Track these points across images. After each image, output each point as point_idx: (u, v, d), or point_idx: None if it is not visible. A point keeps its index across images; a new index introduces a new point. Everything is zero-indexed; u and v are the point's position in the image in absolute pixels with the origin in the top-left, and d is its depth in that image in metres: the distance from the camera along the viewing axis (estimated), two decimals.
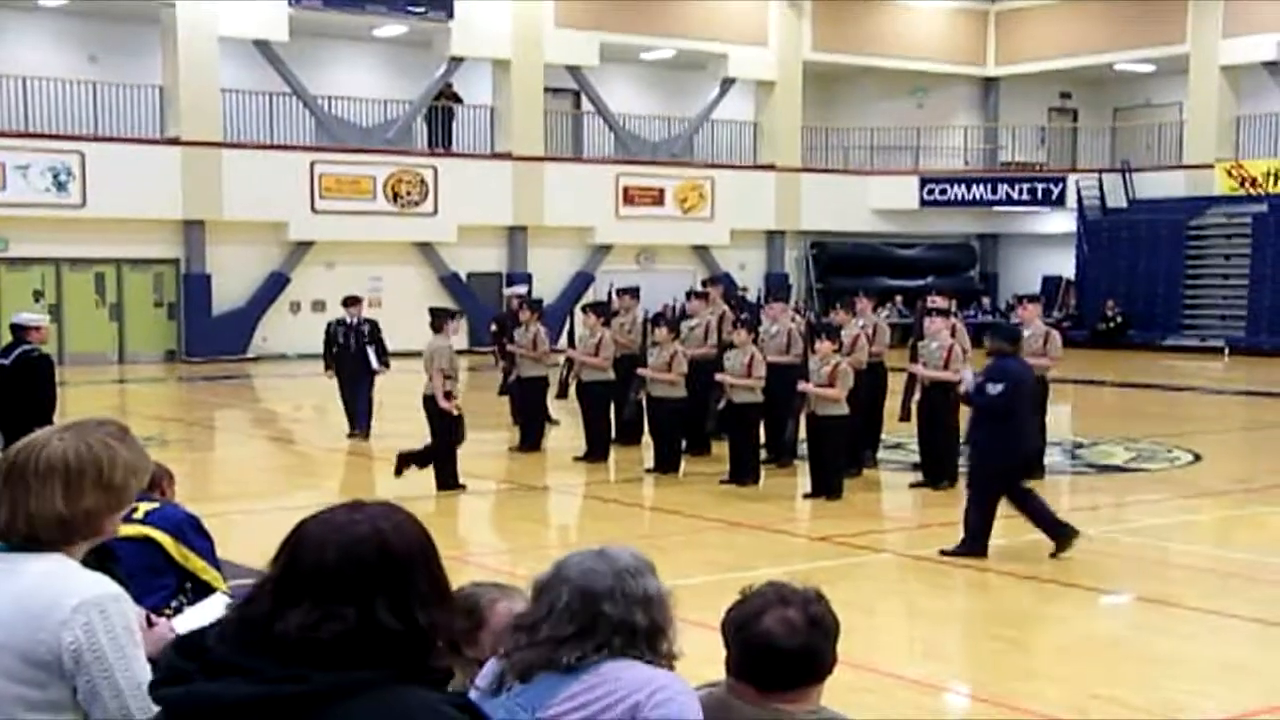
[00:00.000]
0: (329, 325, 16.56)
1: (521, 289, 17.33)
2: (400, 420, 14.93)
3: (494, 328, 17.00)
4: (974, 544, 9.47)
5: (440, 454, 12.37)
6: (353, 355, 15.97)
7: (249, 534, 9.62)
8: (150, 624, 3.13)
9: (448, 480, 12.33)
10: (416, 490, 12.12)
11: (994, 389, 9.43)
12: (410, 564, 1.99)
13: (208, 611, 3.54)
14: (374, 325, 16.22)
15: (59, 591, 2.43)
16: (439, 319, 12.66)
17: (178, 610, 4.42)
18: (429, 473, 12.35)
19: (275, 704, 1.88)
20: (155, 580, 4.79)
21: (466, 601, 3.83)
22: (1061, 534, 9.47)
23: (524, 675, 2.77)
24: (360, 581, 1.94)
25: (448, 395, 12.18)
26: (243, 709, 1.88)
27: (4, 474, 2.52)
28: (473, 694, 2.86)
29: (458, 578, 3.55)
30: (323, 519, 2.02)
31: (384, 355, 16.08)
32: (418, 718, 1.92)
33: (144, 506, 5.32)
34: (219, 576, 5.03)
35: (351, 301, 16.42)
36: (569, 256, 31.13)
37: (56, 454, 2.52)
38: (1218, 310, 31.00)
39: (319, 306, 26.82)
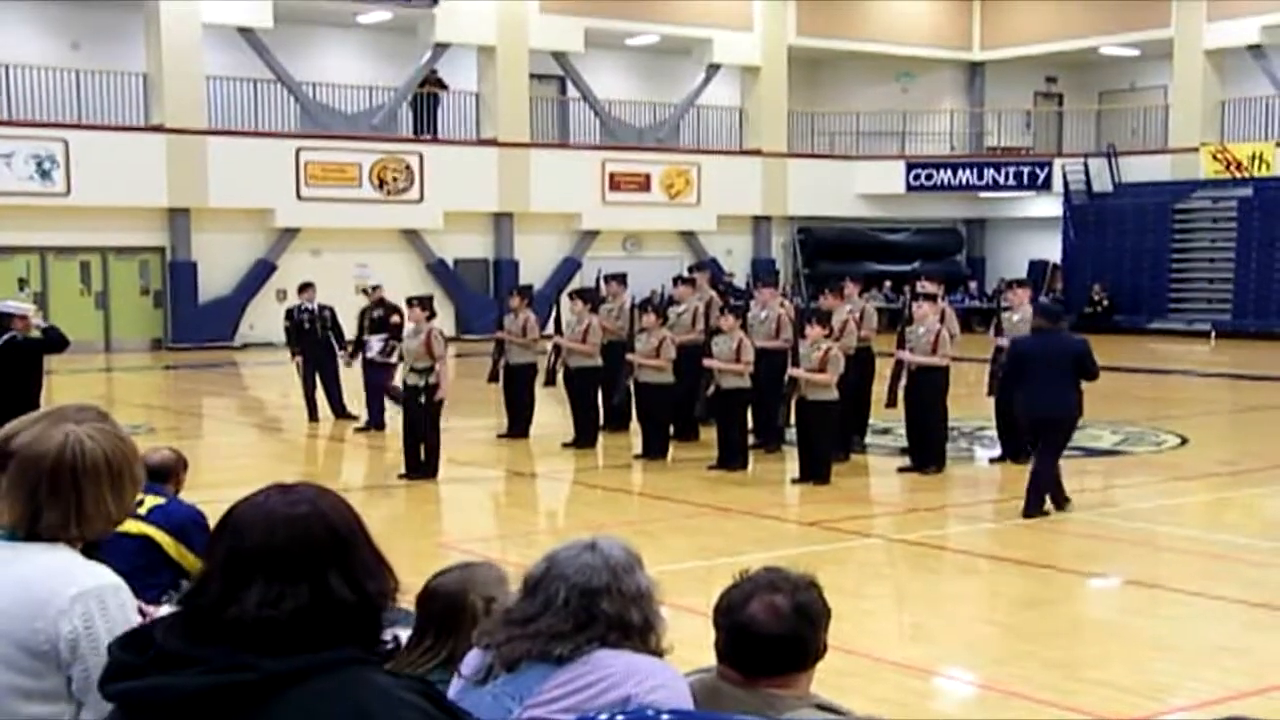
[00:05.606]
0: (290, 312, 16.69)
1: (369, 276, 17.09)
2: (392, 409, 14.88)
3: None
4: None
5: (432, 444, 12.37)
6: (319, 341, 16.17)
7: None
8: (147, 617, 3.12)
9: (432, 468, 12.34)
10: (414, 478, 12.16)
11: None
12: (353, 537, 2.01)
13: None
14: (333, 311, 16.45)
15: (59, 581, 2.42)
16: (427, 305, 12.66)
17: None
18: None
19: (229, 692, 1.85)
20: (150, 579, 4.79)
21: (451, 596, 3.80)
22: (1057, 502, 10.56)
23: (512, 666, 2.76)
24: (311, 557, 1.94)
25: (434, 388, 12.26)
26: (196, 699, 1.86)
27: (48, 474, 2.47)
28: (457, 683, 2.86)
29: (446, 564, 3.54)
30: (256, 504, 2.02)
31: (344, 341, 16.33)
32: (373, 704, 1.88)
33: (149, 501, 5.30)
34: None
35: (306, 287, 16.66)
36: (555, 242, 31.08)
37: (97, 453, 2.51)
38: (1203, 294, 31.07)
39: None
